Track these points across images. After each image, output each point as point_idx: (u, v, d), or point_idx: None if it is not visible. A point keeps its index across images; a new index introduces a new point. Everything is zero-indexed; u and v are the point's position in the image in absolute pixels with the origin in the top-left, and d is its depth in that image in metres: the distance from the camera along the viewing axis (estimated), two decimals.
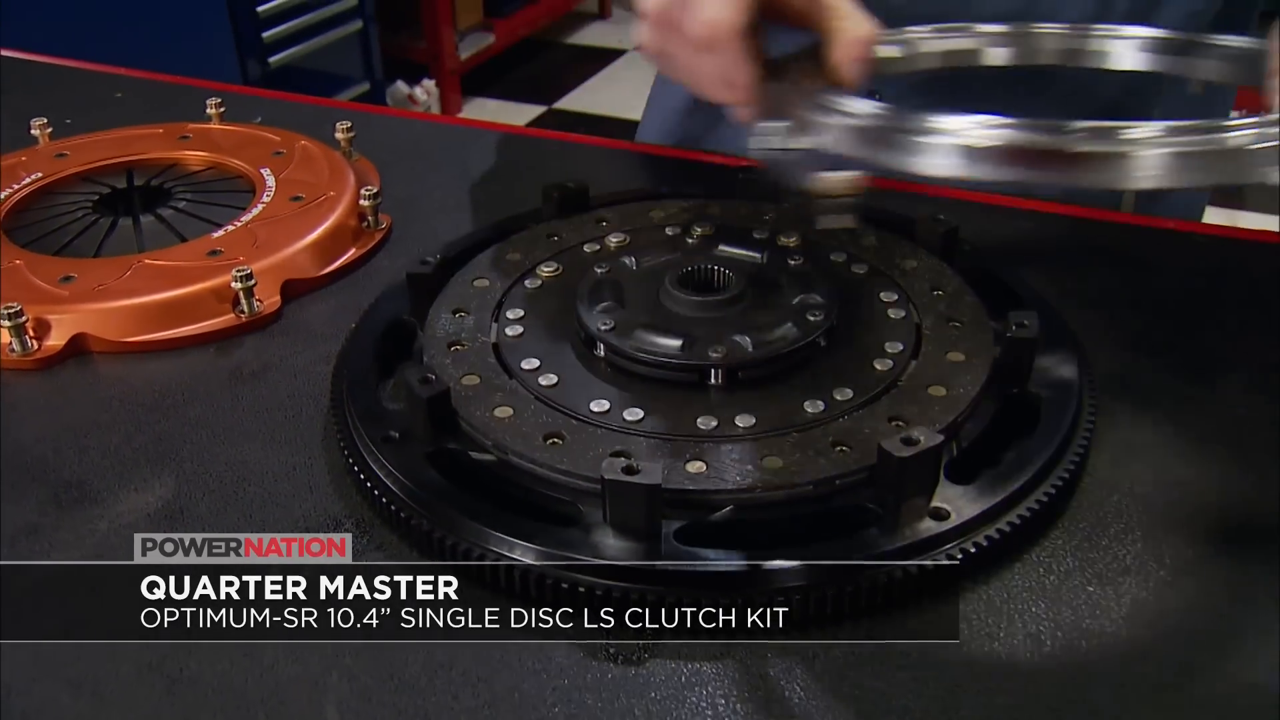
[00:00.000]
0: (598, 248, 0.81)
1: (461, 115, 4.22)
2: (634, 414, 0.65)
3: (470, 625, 0.59)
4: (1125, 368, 0.75)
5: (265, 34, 3.23)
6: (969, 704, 0.54)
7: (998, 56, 0.83)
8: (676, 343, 0.69)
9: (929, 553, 0.60)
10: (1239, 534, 0.64)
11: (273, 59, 3.28)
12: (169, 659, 0.58)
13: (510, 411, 0.66)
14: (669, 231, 0.83)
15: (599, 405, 0.66)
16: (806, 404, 0.66)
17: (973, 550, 0.60)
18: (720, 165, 1.01)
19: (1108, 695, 0.54)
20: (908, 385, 0.68)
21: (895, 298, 0.75)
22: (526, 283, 0.78)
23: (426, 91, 4.11)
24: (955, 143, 0.60)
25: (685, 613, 0.58)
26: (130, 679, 0.57)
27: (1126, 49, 0.82)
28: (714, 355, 0.68)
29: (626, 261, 0.78)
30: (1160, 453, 0.69)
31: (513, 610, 0.60)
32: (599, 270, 0.77)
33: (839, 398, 0.67)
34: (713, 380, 0.68)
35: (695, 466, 0.62)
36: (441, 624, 0.59)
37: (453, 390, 0.67)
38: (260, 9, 3.18)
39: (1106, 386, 0.72)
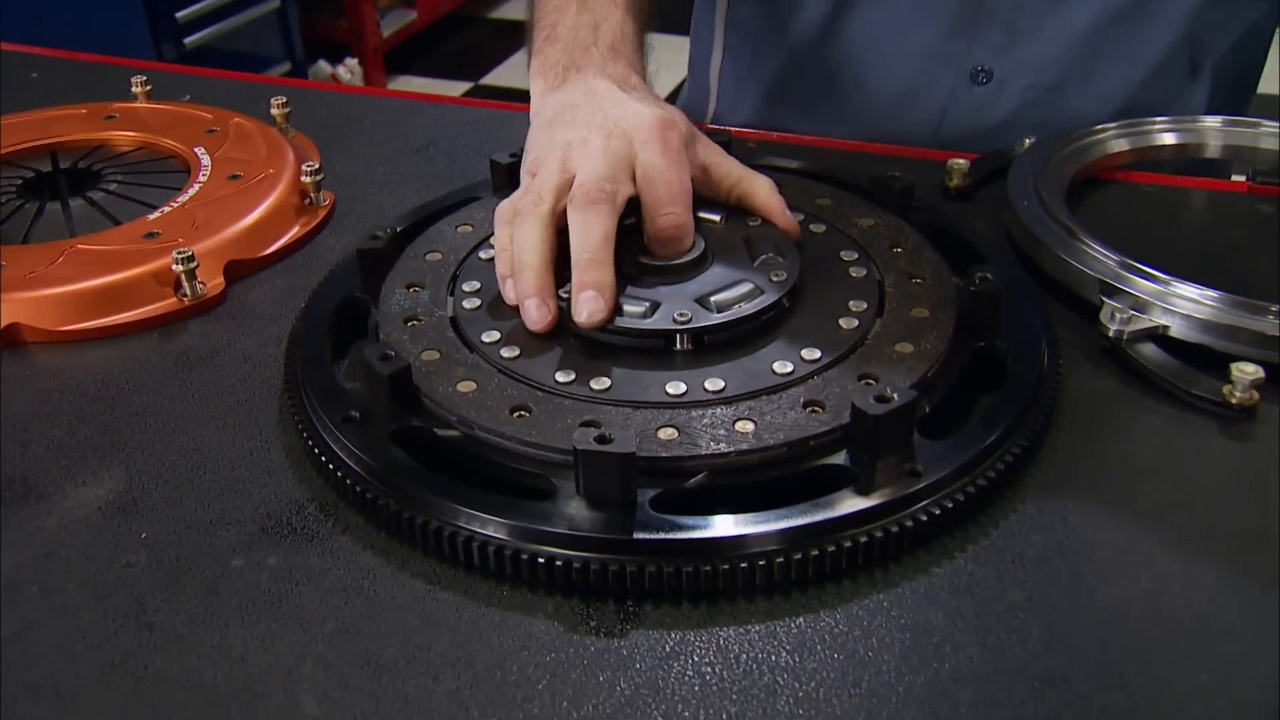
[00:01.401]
0: None
1: None
2: (601, 383, 0.64)
3: (446, 605, 0.57)
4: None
5: (179, 14, 3.14)
6: (949, 659, 0.54)
7: None
8: (640, 309, 0.67)
9: (906, 510, 0.59)
10: (1213, 477, 0.64)
11: (188, 39, 3.20)
12: (131, 656, 0.55)
13: (474, 386, 0.65)
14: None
15: (564, 375, 0.65)
16: (775, 365, 0.65)
17: (950, 506, 0.60)
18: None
19: (1096, 654, 0.54)
20: (875, 343, 0.68)
21: (855, 256, 0.75)
22: (480, 254, 0.76)
23: (350, 71, 4.04)
24: None
25: (664, 581, 0.57)
26: (92, 679, 0.54)
27: None
28: (678, 320, 0.67)
29: None
30: (1125, 402, 0.69)
31: (488, 588, 0.58)
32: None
33: (807, 358, 0.66)
34: (679, 345, 0.67)
35: (667, 433, 0.61)
36: (416, 605, 0.58)
37: (413, 366, 0.65)
38: None
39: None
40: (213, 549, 0.61)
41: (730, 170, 0.77)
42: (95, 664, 0.55)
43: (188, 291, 0.79)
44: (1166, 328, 0.71)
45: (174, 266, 0.78)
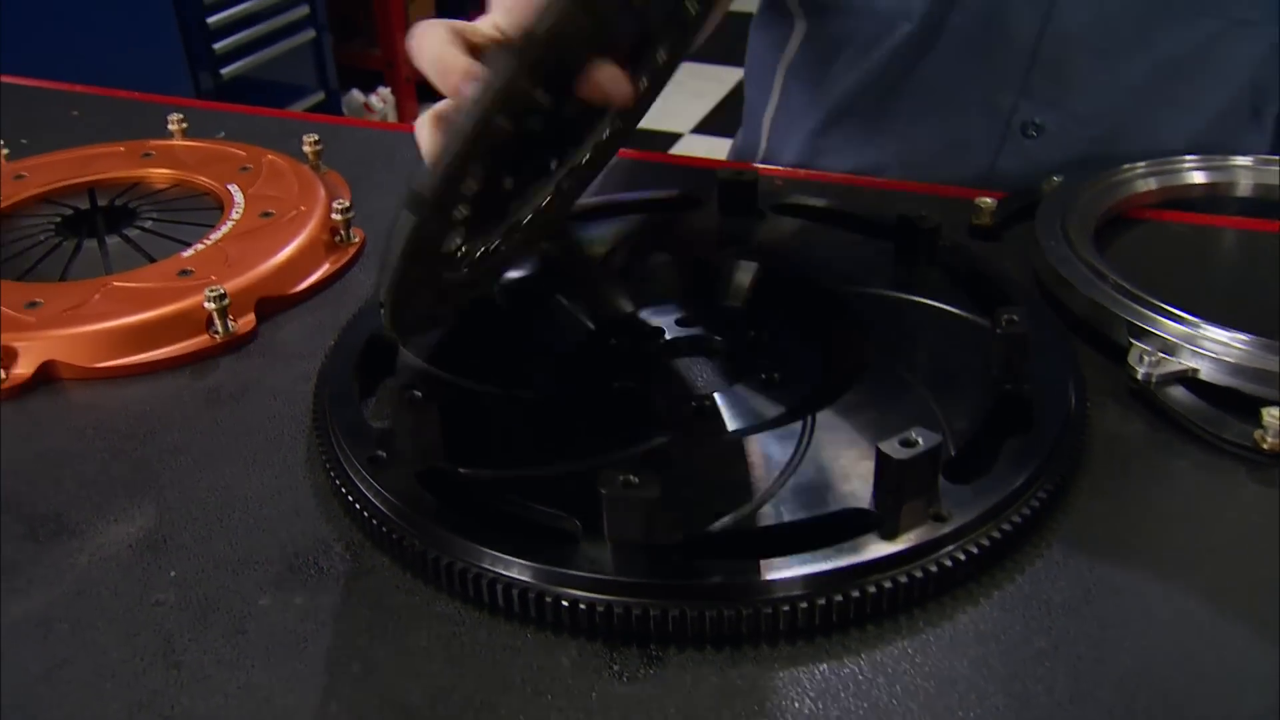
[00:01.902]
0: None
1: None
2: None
3: (470, 647, 0.58)
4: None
5: (216, 45, 3.19)
6: (974, 709, 0.53)
7: None
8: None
9: (931, 555, 0.59)
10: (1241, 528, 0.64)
11: (225, 70, 3.24)
12: (159, 696, 0.56)
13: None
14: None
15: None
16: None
17: (975, 551, 0.60)
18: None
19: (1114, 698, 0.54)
20: None
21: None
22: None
23: (382, 100, 4.08)
24: None
25: (687, 625, 0.57)
26: (121, 718, 0.55)
27: None
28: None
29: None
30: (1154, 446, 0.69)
31: (513, 629, 0.59)
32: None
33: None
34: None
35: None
36: (442, 648, 0.58)
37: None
38: (210, 20, 3.14)
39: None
40: (240, 588, 0.62)
41: None
42: (124, 703, 0.56)
43: (219, 329, 0.80)
44: (1196, 371, 0.70)
45: (206, 304, 0.79)
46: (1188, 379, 0.71)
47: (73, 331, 0.78)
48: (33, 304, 0.80)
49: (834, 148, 1.13)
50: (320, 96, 3.67)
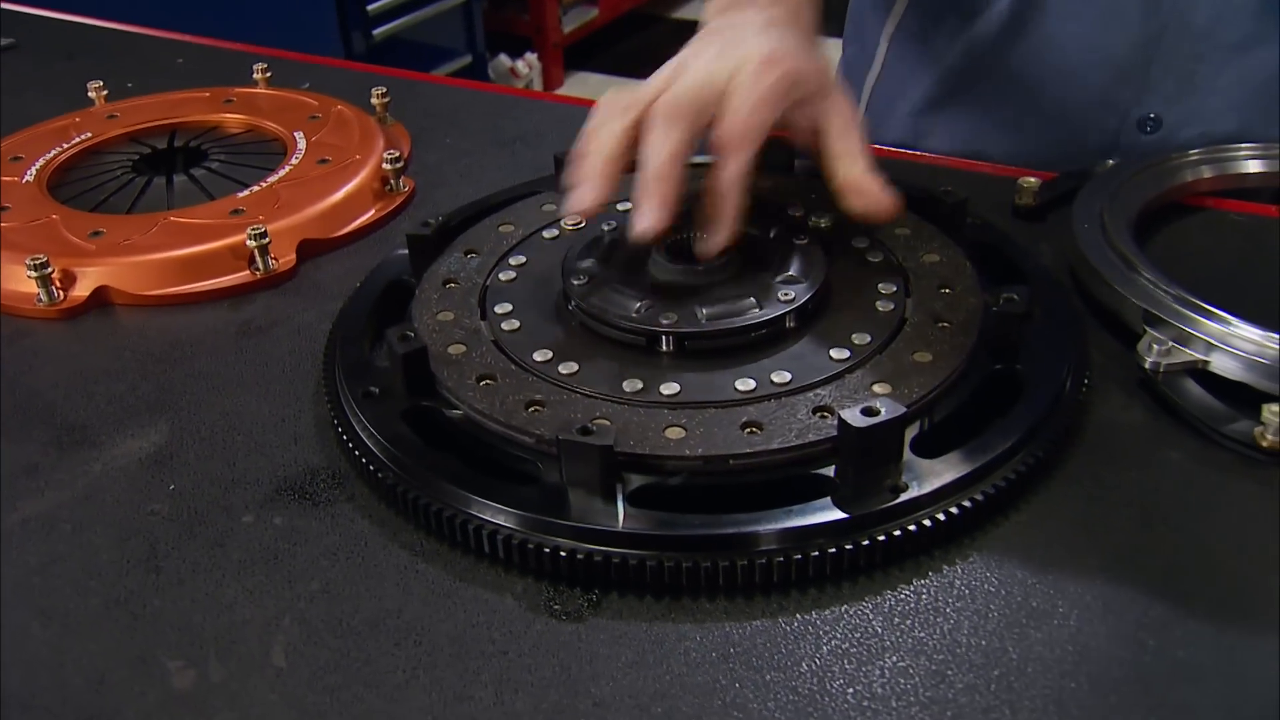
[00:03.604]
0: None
1: (563, 89, 4.25)
2: (569, 367, 0.66)
3: (423, 576, 0.60)
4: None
5: (370, 6, 3.29)
6: (892, 669, 0.53)
7: None
8: (634, 305, 0.69)
9: (880, 526, 0.59)
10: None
11: (377, 31, 3.34)
12: (135, 595, 0.60)
13: (462, 348, 0.68)
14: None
15: (567, 368, 0.67)
16: (773, 375, 0.65)
17: (929, 525, 0.59)
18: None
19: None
20: (891, 354, 0.67)
21: (894, 289, 0.73)
22: (510, 260, 0.78)
23: (529, 65, 4.15)
24: None
25: (628, 572, 0.58)
26: (97, 612, 0.59)
27: None
28: (665, 322, 0.68)
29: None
30: (1150, 436, 0.67)
31: (468, 564, 0.61)
32: (605, 228, 0.77)
33: (836, 356, 0.66)
34: (663, 347, 0.68)
35: (674, 433, 0.62)
36: (397, 574, 0.61)
37: (433, 352, 0.68)
38: None
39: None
40: (229, 505, 0.66)
41: (833, 146, 0.74)
42: (103, 599, 0.60)
43: (260, 266, 0.84)
44: (1206, 363, 0.68)
45: (248, 242, 0.84)
46: (1198, 371, 0.68)
47: (126, 260, 0.84)
48: (96, 233, 0.86)
49: (935, 131, 1.10)
50: (467, 60, 3.75)
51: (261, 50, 1.25)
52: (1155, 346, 0.69)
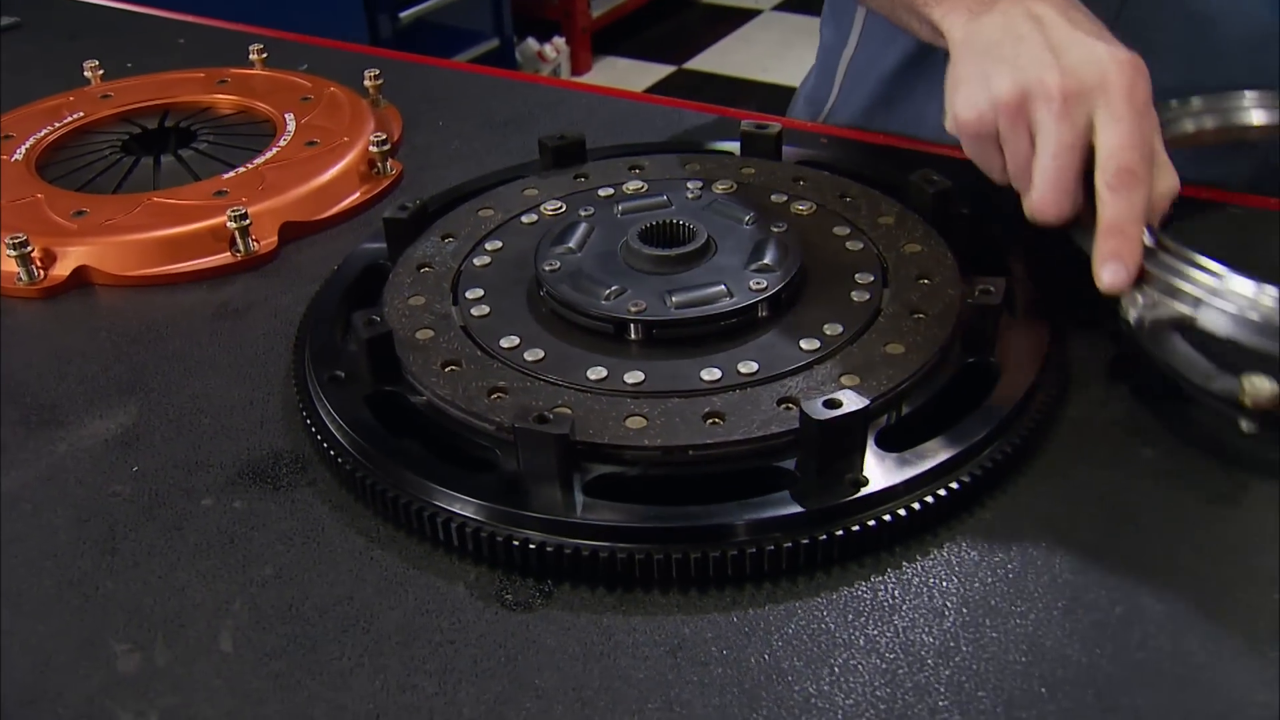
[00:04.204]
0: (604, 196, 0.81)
1: (591, 74, 4.23)
2: (580, 366, 0.65)
3: (377, 563, 0.60)
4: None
5: None
6: (842, 666, 0.52)
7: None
8: (603, 292, 0.68)
9: (839, 521, 0.58)
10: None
11: (403, 14, 3.34)
12: (89, 577, 0.60)
13: (430, 333, 0.68)
14: (690, 187, 0.80)
15: (533, 355, 0.66)
16: (741, 365, 0.64)
17: (889, 520, 0.58)
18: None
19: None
20: (862, 345, 0.66)
21: (871, 279, 0.72)
22: (486, 245, 0.77)
23: (556, 49, 4.13)
24: None
25: (581, 563, 0.57)
26: (49, 593, 0.59)
27: None
28: (633, 310, 0.67)
29: (615, 210, 0.77)
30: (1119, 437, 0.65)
31: (422, 551, 0.60)
32: (583, 213, 0.77)
33: (806, 348, 0.65)
34: (632, 335, 0.67)
35: (635, 422, 0.61)
36: (351, 560, 0.60)
37: (400, 337, 0.67)
38: None
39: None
40: (190, 488, 0.65)
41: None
42: (56, 579, 0.60)
43: (240, 248, 0.84)
44: (1193, 319, 0.64)
45: (228, 224, 0.83)
46: (1182, 326, 0.65)
47: (107, 240, 0.83)
48: (79, 213, 0.86)
49: (908, 96, 1.08)
50: (494, 44, 3.74)
51: (263, 31, 1.25)
52: (1140, 299, 0.65)
